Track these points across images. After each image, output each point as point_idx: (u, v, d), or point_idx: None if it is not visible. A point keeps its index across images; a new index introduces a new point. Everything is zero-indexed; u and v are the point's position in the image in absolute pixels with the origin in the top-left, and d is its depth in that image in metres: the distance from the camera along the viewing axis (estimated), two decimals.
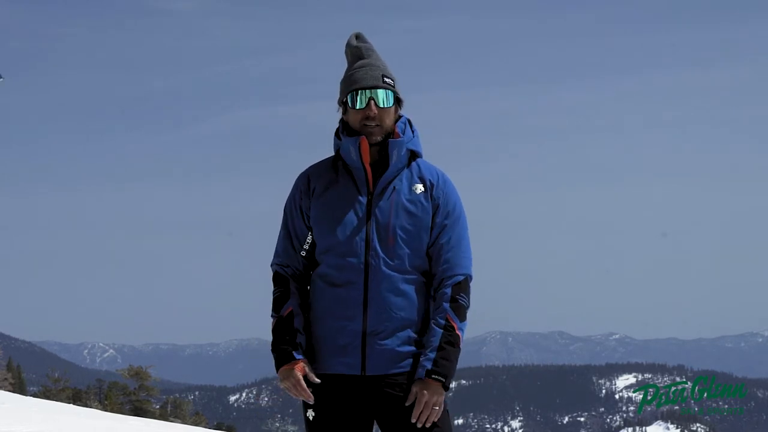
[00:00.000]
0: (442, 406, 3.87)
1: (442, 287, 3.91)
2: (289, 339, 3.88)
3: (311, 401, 3.86)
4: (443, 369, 3.84)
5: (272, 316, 3.95)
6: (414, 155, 3.98)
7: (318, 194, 3.92)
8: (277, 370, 3.89)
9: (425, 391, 3.82)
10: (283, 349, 3.88)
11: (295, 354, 3.86)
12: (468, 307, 3.95)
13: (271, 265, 4.02)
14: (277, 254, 4.00)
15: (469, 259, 3.97)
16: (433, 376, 3.82)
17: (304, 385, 3.85)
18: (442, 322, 3.87)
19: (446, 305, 3.88)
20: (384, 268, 3.84)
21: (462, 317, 3.91)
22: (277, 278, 3.98)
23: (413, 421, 3.82)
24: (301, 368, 3.86)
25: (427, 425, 3.82)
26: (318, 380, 3.85)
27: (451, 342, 3.86)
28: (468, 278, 3.95)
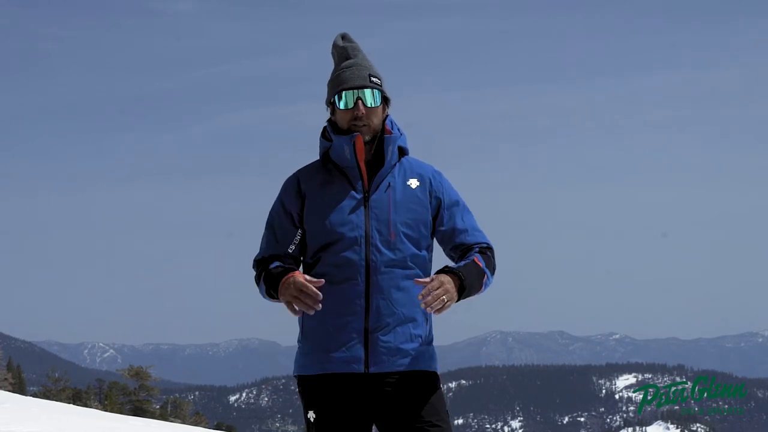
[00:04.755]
0: (450, 302, 3.73)
1: (471, 250, 3.91)
2: (280, 265, 3.84)
3: (320, 298, 3.71)
4: (464, 270, 3.79)
5: (257, 281, 3.90)
6: (402, 152, 3.99)
7: (311, 195, 3.90)
8: (275, 290, 3.78)
9: (440, 278, 3.72)
10: (274, 270, 3.82)
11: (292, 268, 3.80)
12: (496, 268, 3.94)
13: (252, 263, 3.98)
14: (259, 252, 3.98)
15: (487, 237, 4.00)
16: (454, 270, 3.78)
17: (310, 286, 3.70)
18: (468, 260, 3.86)
19: (475, 253, 3.89)
20: (385, 263, 3.82)
21: (490, 267, 3.91)
22: (258, 263, 3.95)
23: (419, 298, 3.72)
24: (299, 274, 3.75)
25: (430, 309, 3.70)
26: (322, 280, 3.73)
27: (476, 268, 3.83)
28: (493, 249, 3.97)
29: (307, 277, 3.74)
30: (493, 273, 3.94)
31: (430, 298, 3.67)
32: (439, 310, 3.71)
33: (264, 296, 3.90)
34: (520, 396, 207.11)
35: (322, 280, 3.73)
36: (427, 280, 3.71)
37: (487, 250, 3.95)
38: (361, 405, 3.84)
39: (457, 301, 3.78)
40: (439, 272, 3.78)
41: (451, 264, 3.89)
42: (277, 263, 3.88)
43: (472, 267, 3.83)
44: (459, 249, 3.95)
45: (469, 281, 3.78)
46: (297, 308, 3.73)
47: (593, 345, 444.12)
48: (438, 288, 3.69)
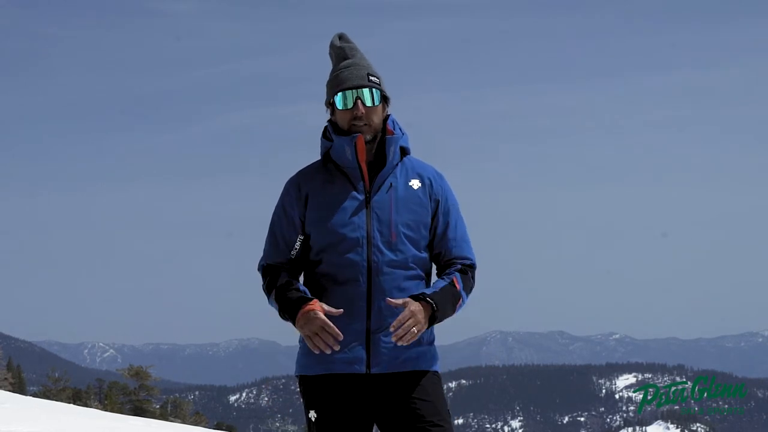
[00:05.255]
0: (420, 332, 3.75)
1: (453, 265, 3.93)
2: (295, 289, 3.83)
3: (341, 339, 3.74)
4: (437, 298, 3.80)
5: (267, 293, 3.91)
6: (403, 152, 3.99)
7: (312, 197, 3.90)
8: (293, 317, 3.79)
9: (411, 308, 3.73)
10: (290, 293, 3.81)
11: (306, 294, 3.80)
12: (473, 287, 3.96)
13: (258, 267, 4.00)
14: (263, 257, 3.99)
15: (473, 252, 4.01)
16: (427, 299, 3.79)
17: (333, 326, 3.71)
18: (447, 279, 3.89)
19: (455, 272, 3.91)
20: (387, 264, 3.83)
21: (467, 288, 3.93)
22: (265, 270, 3.96)
23: (390, 330, 3.75)
24: (319, 307, 3.75)
25: (400, 342, 3.73)
26: (341, 310, 3.75)
27: (452, 292, 3.86)
28: (475, 267, 4.00)
29: (326, 307, 3.75)
30: (469, 293, 3.95)
31: (400, 330, 3.70)
32: (404, 340, 3.73)
33: (276, 311, 3.88)
34: (520, 396, 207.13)
35: (341, 309, 3.75)
36: (399, 302, 3.74)
37: (468, 269, 3.95)
38: (362, 405, 3.84)
39: (427, 329, 3.81)
40: (413, 297, 3.79)
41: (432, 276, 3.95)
42: (285, 278, 3.87)
43: (448, 291, 3.85)
44: (441, 257, 3.95)
45: (441, 311, 3.81)
46: (317, 345, 3.75)
47: (593, 345, 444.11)
48: (409, 319, 3.72)
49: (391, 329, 3.73)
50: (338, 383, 3.84)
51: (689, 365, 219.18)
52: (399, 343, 3.73)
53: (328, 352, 3.75)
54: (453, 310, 3.88)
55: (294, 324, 3.81)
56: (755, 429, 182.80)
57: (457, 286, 3.87)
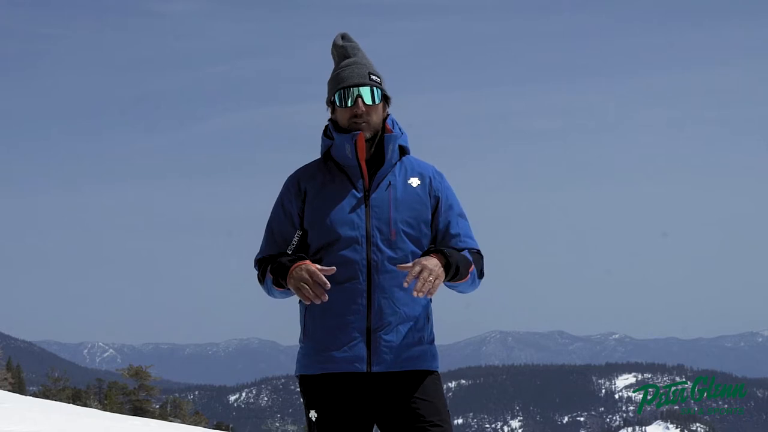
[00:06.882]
0: (438, 279, 3.69)
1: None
2: (288, 257, 3.81)
3: (327, 287, 3.69)
4: (449, 252, 3.77)
5: (261, 280, 3.90)
6: (402, 151, 4.00)
7: (312, 195, 3.91)
8: (284, 277, 3.75)
9: (420, 260, 3.70)
10: (284, 260, 3.79)
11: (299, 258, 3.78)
12: (483, 270, 3.96)
13: (254, 262, 3.99)
14: (259, 252, 3.99)
15: (478, 246, 4.01)
16: (438, 252, 3.76)
17: (320, 274, 3.67)
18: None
19: (467, 252, 3.89)
20: (387, 262, 3.82)
21: (478, 267, 3.92)
22: (259, 263, 3.96)
23: (406, 281, 3.67)
24: (310, 263, 3.72)
25: (421, 294, 3.66)
26: (333, 268, 3.72)
27: (460, 254, 3.83)
28: (482, 256, 3.99)
29: (318, 266, 3.73)
30: (480, 273, 3.94)
31: (418, 284, 3.64)
32: (430, 292, 3.68)
33: (270, 291, 3.87)
34: (519, 396, 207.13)
35: (333, 267, 3.73)
36: (409, 265, 3.70)
37: (476, 253, 3.95)
38: (362, 404, 3.83)
39: (448, 280, 3.77)
40: (423, 254, 3.77)
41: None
42: (285, 258, 3.84)
43: (455, 252, 3.82)
44: None
45: (453, 258, 3.76)
46: (306, 295, 3.70)
47: (593, 345, 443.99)
48: (420, 271, 3.66)
49: (405, 286, 3.68)
50: (339, 382, 3.83)
51: (689, 365, 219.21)
52: (418, 295, 3.64)
53: (318, 302, 3.70)
54: (467, 273, 3.83)
55: (287, 286, 3.77)
56: (755, 429, 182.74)
57: (467, 256, 3.86)
